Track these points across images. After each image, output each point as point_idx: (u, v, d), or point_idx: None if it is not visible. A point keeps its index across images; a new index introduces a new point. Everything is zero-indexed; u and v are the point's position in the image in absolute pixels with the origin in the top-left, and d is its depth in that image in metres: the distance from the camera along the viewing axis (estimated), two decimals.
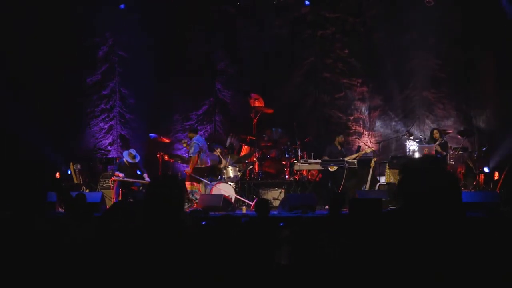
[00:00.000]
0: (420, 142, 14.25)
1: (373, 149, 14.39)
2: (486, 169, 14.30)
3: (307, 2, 16.40)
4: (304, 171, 14.70)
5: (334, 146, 14.47)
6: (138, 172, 13.89)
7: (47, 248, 3.48)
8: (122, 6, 16.41)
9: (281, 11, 16.55)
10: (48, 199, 11.07)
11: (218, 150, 14.47)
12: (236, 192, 13.47)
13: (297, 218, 10.60)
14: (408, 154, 14.27)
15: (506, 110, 14.97)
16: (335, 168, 13.87)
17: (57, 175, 14.86)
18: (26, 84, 15.28)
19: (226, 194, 12.73)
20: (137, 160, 13.89)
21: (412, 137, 14.77)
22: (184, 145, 13.54)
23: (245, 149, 15.17)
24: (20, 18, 15.01)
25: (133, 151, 13.96)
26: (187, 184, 13.08)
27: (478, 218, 9.96)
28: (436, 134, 14.17)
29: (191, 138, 13.25)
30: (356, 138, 16.07)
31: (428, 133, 15.07)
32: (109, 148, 16.77)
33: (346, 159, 13.87)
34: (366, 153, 14.34)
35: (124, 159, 13.92)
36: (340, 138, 14.60)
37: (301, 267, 4.86)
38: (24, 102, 15.09)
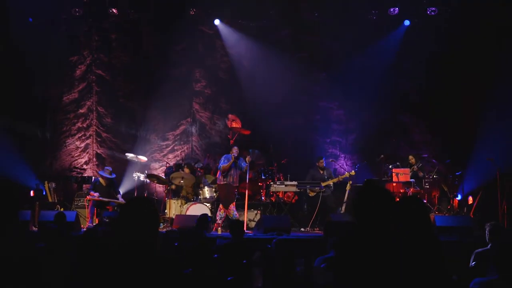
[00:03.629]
0: (395, 166, 14.34)
1: (353, 173, 14.37)
2: (459, 196, 14.42)
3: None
4: (280, 193, 14.70)
5: (316, 170, 14.47)
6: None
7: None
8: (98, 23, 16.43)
9: (260, 33, 16.63)
10: (20, 218, 11.04)
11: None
12: (211, 213, 13.43)
13: (272, 240, 10.60)
14: (384, 177, 14.37)
15: (480, 134, 15.13)
16: (314, 193, 13.90)
17: (32, 193, 14.74)
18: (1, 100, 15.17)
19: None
20: (113, 176, 13.86)
21: (387, 160, 14.88)
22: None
23: None
24: None
25: (109, 168, 13.96)
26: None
27: (451, 242, 10.07)
28: (412, 160, 14.29)
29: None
30: (332, 160, 16.12)
31: (403, 155, 15.19)
32: (84, 166, 16.66)
33: (324, 183, 13.88)
34: (346, 177, 14.32)
35: (99, 178, 13.89)
36: (320, 163, 14.58)
37: None
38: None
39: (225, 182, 13.02)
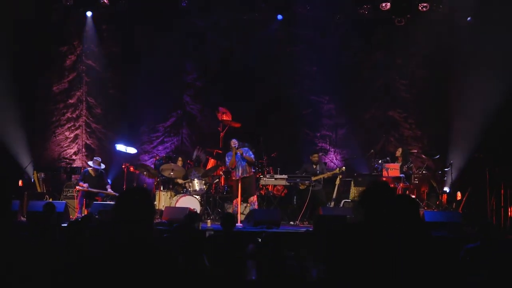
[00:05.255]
0: (384, 161, 14.38)
1: (343, 169, 14.42)
2: (446, 189, 14.47)
3: (279, 17, 16.54)
4: (270, 186, 14.72)
5: (309, 164, 14.47)
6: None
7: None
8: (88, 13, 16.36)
9: (251, 26, 16.61)
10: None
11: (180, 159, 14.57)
12: (201, 205, 13.42)
13: (262, 233, 10.62)
14: (373, 172, 14.40)
15: (469, 130, 15.16)
16: (304, 186, 13.89)
17: (20, 183, 14.66)
18: None
19: (192, 207, 12.66)
20: (102, 166, 13.86)
21: (377, 156, 14.92)
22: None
23: (211, 163, 15.13)
24: None
25: (98, 159, 13.94)
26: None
27: (440, 237, 10.13)
28: (398, 152, 14.32)
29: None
30: (322, 155, 16.14)
31: (393, 151, 15.24)
32: (73, 157, 16.58)
33: (314, 178, 13.88)
34: (336, 173, 14.34)
35: (89, 169, 13.86)
36: (313, 157, 14.56)
37: (268, 283, 4.87)
38: None
39: (234, 178, 13.34)
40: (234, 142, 13.39)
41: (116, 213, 3.30)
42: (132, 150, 15.11)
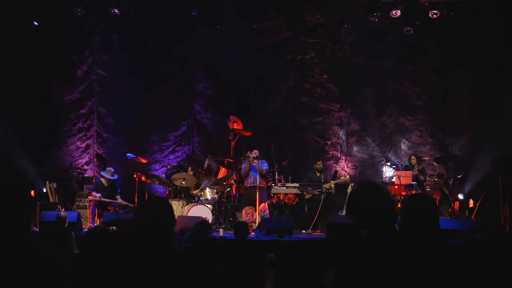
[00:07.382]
0: (396, 168, 14.34)
1: (348, 178, 14.41)
2: (460, 196, 14.40)
3: None
4: (281, 195, 14.70)
5: (313, 173, 14.46)
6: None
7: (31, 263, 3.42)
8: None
9: (261, 35, 16.63)
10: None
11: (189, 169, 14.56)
12: (213, 214, 13.43)
13: (275, 242, 10.61)
14: (385, 180, 14.37)
15: (481, 137, 15.13)
16: (310, 195, 13.90)
17: (32, 193, 14.69)
18: (2, 100, 15.11)
19: (203, 216, 12.66)
20: (115, 177, 13.88)
21: (388, 163, 14.90)
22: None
23: (222, 171, 15.11)
24: None
25: (111, 169, 13.97)
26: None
27: (454, 245, 10.07)
28: (413, 160, 14.30)
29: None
30: (333, 163, 16.12)
31: (404, 159, 15.24)
32: (85, 167, 16.62)
33: (324, 186, 13.86)
34: (344, 181, 14.33)
35: (101, 179, 13.88)
36: (317, 165, 14.56)
37: None
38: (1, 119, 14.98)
39: (246, 186, 13.43)
40: (255, 152, 13.37)
41: (137, 222, 3.31)
42: (143, 160, 15.13)
